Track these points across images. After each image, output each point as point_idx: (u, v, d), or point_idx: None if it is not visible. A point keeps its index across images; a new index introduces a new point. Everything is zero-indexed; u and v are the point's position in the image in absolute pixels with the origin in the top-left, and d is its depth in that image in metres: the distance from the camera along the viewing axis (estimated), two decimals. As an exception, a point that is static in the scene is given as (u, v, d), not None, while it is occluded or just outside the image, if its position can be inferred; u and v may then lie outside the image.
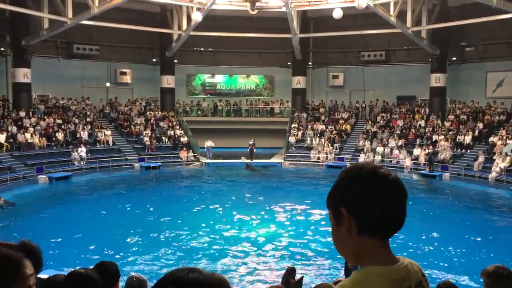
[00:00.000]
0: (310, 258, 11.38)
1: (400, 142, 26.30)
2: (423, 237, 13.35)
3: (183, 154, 27.49)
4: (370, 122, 29.16)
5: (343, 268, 8.32)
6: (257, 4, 25.40)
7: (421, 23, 25.33)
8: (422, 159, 24.74)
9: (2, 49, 25.84)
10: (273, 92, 33.90)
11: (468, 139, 24.70)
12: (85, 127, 26.17)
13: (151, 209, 16.60)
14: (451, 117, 26.90)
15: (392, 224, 1.27)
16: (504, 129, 23.74)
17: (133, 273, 3.50)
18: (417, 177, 22.98)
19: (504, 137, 23.02)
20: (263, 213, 15.95)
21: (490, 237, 13.59)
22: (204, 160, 27.42)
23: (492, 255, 11.64)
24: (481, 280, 2.79)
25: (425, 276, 1.34)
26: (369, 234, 1.24)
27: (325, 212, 16.01)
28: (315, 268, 10.79)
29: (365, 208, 1.23)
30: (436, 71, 27.34)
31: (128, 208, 16.87)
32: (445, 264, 11.10)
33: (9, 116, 24.34)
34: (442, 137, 25.36)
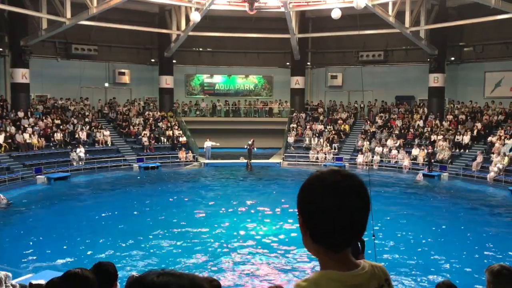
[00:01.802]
0: (309, 258, 11.39)
1: (399, 142, 26.33)
2: (422, 236, 13.38)
3: (181, 154, 27.49)
4: (368, 122, 29.19)
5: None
6: (256, 4, 25.40)
7: (419, 23, 25.37)
8: (420, 159, 24.77)
9: (0, 49, 25.80)
10: (272, 92, 33.92)
11: (466, 139, 24.73)
12: (83, 127, 26.15)
13: (150, 209, 16.61)
14: (450, 117, 26.94)
15: (342, 239, 1.25)
16: (502, 129, 23.79)
17: (133, 273, 3.50)
18: (421, 178, 22.95)
19: (503, 137, 23.06)
20: (261, 213, 15.96)
21: (489, 237, 13.61)
22: (203, 160, 27.41)
23: (491, 254, 11.65)
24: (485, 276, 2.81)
25: (389, 280, 1.33)
26: (319, 244, 1.26)
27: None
28: (312, 267, 10.80)
29: (314, 221, 1.24)
30: (434, 71, 27.36)
31: (127, 208, 16.85)
32: (444, 264, 11.12)
33: (8, 116, 24.30)
34: (441, 137, 25.39)
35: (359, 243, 8.28)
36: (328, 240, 1.24)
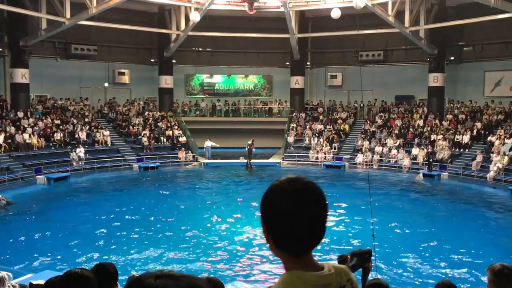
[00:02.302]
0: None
1: (399, 142, 26.33)
2: (422, 236, 13.38)
3: (181, 154, 27.48)
4: (368, 122, 29.20)
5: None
6: (255, 4, 25.40)
7: (419, 23, 25.38)
8: (420, 159, 24.77)
9: (0, 49, 25.80)
10: (272, 92, 33.92)
11: (466, 138, 24.74)
12: (83, 127, 26.14)
13: (149, 209, 16.60)
14: (449, 116, 26.95)
15: (304, 245, 1.29)
16: (502, 129, 23.79)
17: (133, 272, 3.51)
18: (421, 178, 23.01)
19: (502, 137, 23.06)
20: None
21: (490, 237, 13.62)
22: (202, 160, 27.41)
23: (491, 254, 11.65)
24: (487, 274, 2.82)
25: (351, 279, 1.38)
26: (282, 249, 1.29)
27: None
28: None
29: (276, 229, 1.28)
30: (434, 70, 27.36)
31: (127, 208, 16.85)
32: (444, 263, 11.12)
33: (7, 116, 24.30)
34: (441, 136, 25.40)
35: (366, 253, 8.36)
36: (290, 247, 1.28)
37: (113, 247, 12.20)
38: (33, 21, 24.27)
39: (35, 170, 21.74)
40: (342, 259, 8.12)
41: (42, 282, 4.82)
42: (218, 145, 27.60)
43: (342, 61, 31.77)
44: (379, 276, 9.11)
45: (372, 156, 26.12)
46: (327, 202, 1.30)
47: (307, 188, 1.28)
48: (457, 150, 24.77)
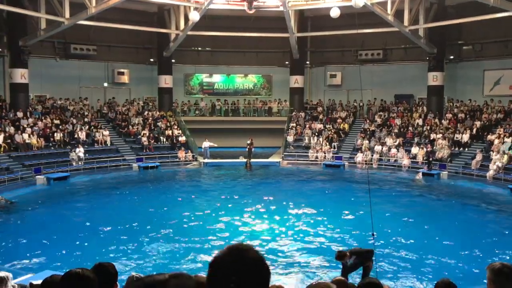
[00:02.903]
0: (307, 257, 11.39)
1: (398, 141, 26.35)
2: (422, 234, 13.39)
3: (181, 154, 27.48)
4: (368, 121, 29.21)
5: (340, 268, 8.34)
6: (255, 3, 25.39)
7: (418, 22, 25.39)
8: (420, 158, 24.79)
9: (-1, 49, 25.83)
10: (271, 92, 33.92)
11: (465, 137, 24.76)
12: (83, 127, 26.14)
13: (149, 209, 16.60)
14: (449, 115, 26.96)
15: None
16: (501, 127, 23.81)
17: (133, 273, 3.51)
18: (420, 177, 23.04)
19: (502, 135, 23.08)
20: (259, 211, 15.97)
21: (489, 236, 13.63)
22: (202, 160, 27.42)
23: (491, 253, 11.67)
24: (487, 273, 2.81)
25: None
26: None
27: (316, 210, 16.01)
28: (312, 266, 10.81)
29: None
30: (433, 69, 27.39)
31: (127, 208, 16.86)
32: (444, 262, 11.13)
33: (7, 116, 24.29)
34: (440, 135, 25.41)
35: (367, 252, 8.39)
36: None
37: (113, 247, 12.20)
38: (32, 21, 24.27)
39: (34, 170, 21.74)
40: (340, 255, 8.14)
41: (42, 282, 4.82)
42: (215, 145, 27.60)
43: (341, 60, 31.78)
44: (379, 269, 9.12)
45: (372, 155, 26.13)
46: (266, 268, 1.38)
47: (246, 257, 1.35)
48: (456, 149, 24.78)
